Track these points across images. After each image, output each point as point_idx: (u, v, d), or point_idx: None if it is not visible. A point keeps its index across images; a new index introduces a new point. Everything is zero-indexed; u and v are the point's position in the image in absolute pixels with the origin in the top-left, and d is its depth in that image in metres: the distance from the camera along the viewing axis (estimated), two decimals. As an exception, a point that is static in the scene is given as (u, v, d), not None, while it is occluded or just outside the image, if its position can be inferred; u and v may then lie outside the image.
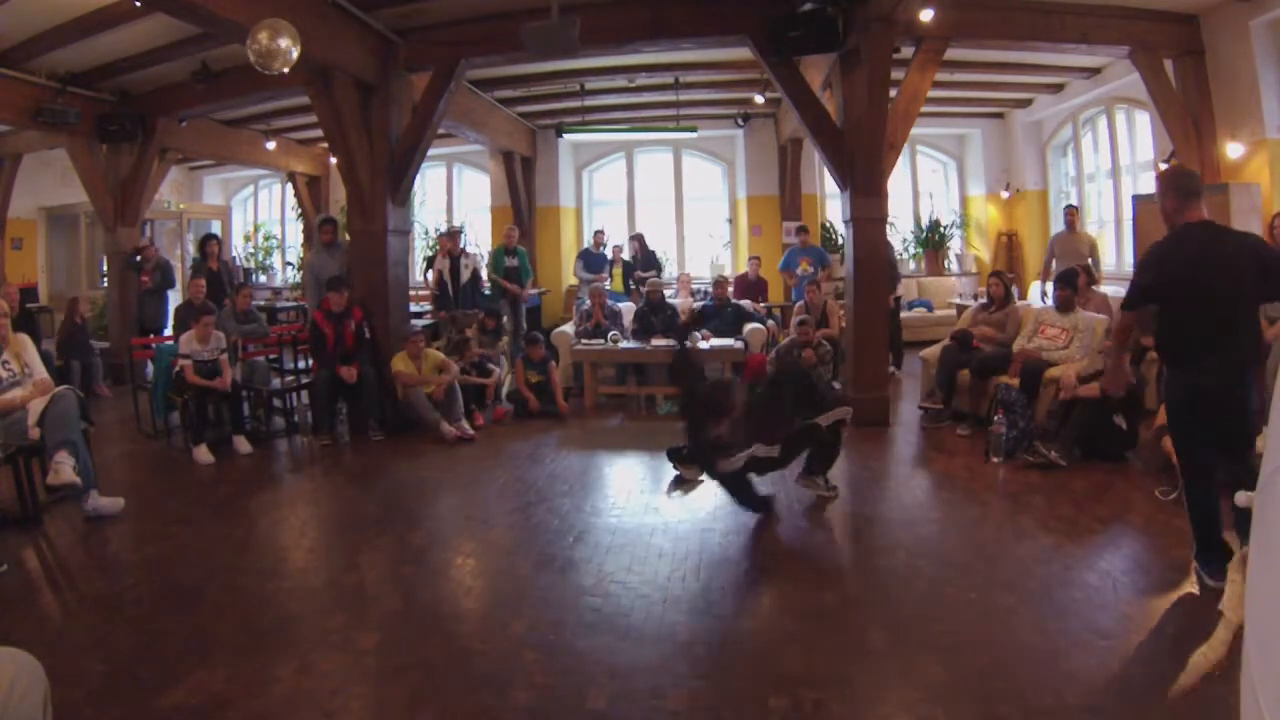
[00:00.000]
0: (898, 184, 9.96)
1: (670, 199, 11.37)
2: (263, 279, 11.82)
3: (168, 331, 8.02)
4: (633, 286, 8.71)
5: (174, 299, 8.08)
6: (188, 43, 6.17)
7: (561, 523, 3.85)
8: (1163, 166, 6.86)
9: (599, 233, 9.82)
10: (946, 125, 10.59)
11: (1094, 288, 6.36)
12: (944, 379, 5.62)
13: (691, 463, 4.31)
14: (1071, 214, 7.41)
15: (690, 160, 11.38)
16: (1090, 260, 7.06)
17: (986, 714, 2.17)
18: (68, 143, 7.58)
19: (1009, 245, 10.33)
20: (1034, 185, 9.96)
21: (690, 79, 8.36)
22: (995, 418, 4.73)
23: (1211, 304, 2.76)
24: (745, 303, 7.92)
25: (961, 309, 7.96)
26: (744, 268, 9.48)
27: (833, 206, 10.69)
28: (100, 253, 9.29)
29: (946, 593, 3.02)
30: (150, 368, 6.20)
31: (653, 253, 9.61)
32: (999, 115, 10.33)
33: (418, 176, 6.48)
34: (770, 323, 7.83)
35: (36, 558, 3.54)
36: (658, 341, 6.75)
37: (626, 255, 9.42)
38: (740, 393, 3.83)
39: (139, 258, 7.79)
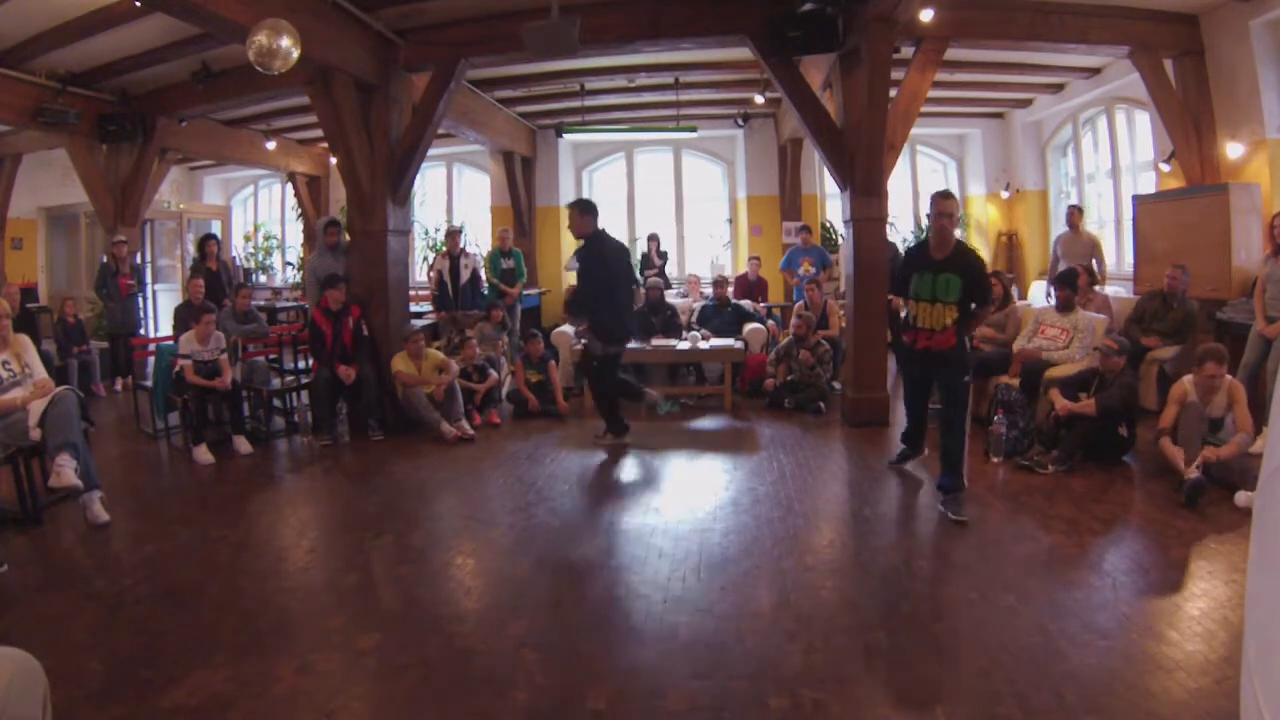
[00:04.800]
0: (898, 184, 9.94)
1: (670, 199, 11.37)
2: (263, 279, 11.81)
3: (142, 332, 8.05)
4: (642, 284, 8.74)
5: (167, 300, 8.06)
6: (188, 43, 6.16)
7: (561, 523, 3.84)
8: (1163, 167, 6.86)
9: None
10: (946, 125, 10.58)
11: (1095, 288, 6.36)
12: (944, 379, 5.61)
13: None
14: (1074, 214, 7.28)
15: (690, 160, 11.37)
16: (1093, 260, 7.05)
17: (986, 714, 2.17)
18: (68, 143, 7.57)
19: (1009, 245, 10.33)
20: (1034, 185, 9.95)
21: (690, 79, 8.35)
22: (995, 418, 4.74)
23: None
24: (745, 303, 7.93)
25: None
26: (744, 268, 9.48)
27: (833, 206, 10.68)
28: (101, 253, 9.29)
29: (946, 593, 3.03)
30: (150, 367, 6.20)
31: (665, 252, 9.68)
32: (999, 115, 10.32)
33: (418, 176, 6.48)
34: (770, 323, 7.84)
35: (36, 558, 3.54)
36: (658, 341, 6.77)
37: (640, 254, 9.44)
38: None
39: (105, 258, 7.75)
